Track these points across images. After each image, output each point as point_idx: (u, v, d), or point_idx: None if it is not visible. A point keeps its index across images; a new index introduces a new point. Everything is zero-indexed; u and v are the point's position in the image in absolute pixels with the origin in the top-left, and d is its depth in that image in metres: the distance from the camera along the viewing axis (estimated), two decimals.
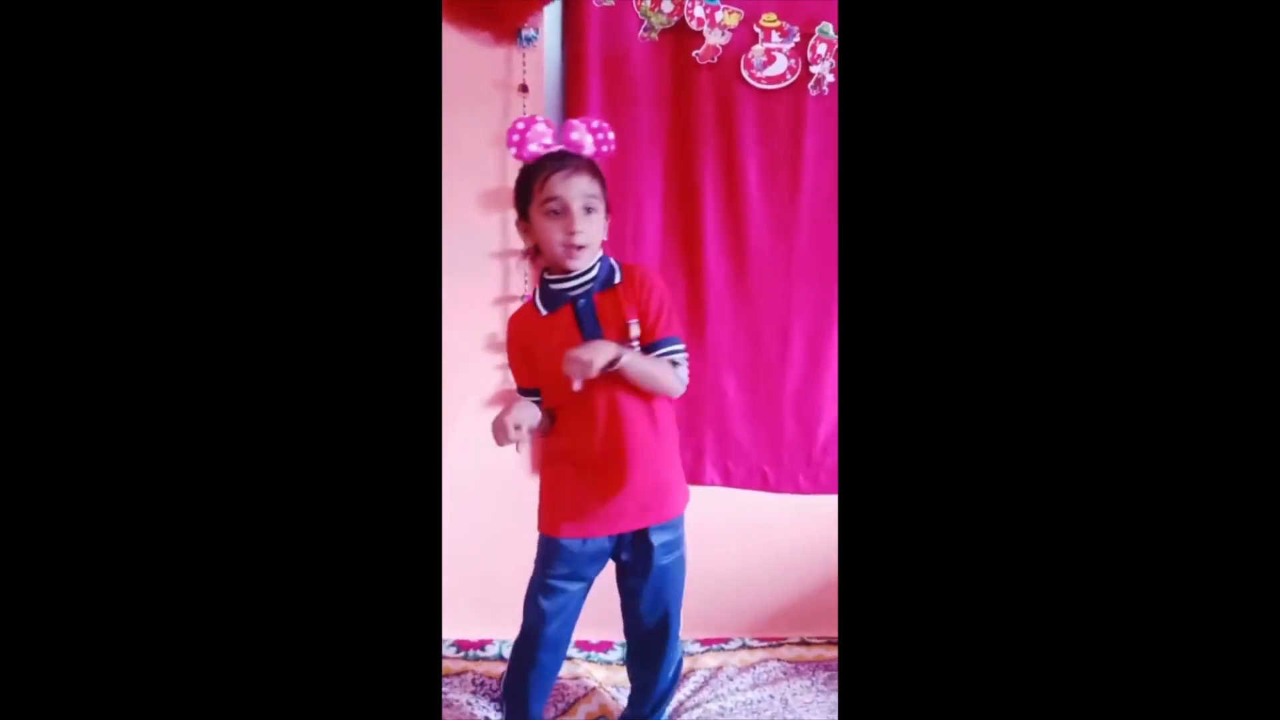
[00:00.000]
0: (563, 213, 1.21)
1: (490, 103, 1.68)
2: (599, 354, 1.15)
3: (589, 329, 1.24)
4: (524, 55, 1.68)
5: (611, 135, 1.29)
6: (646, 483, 1.28)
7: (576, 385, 1.16)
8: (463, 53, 1.65)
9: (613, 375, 1.20)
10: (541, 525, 1.34)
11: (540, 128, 1.24)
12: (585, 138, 1.25)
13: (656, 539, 1.31)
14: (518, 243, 1.73)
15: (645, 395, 1.26)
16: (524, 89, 1.68)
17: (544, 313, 1.27)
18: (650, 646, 1.40)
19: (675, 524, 1.34)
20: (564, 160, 1.23)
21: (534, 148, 1.24)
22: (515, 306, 1.74)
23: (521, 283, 1.74)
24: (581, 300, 1.25)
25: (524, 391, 1.34)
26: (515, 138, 1.24)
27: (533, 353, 1.30)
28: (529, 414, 1.24)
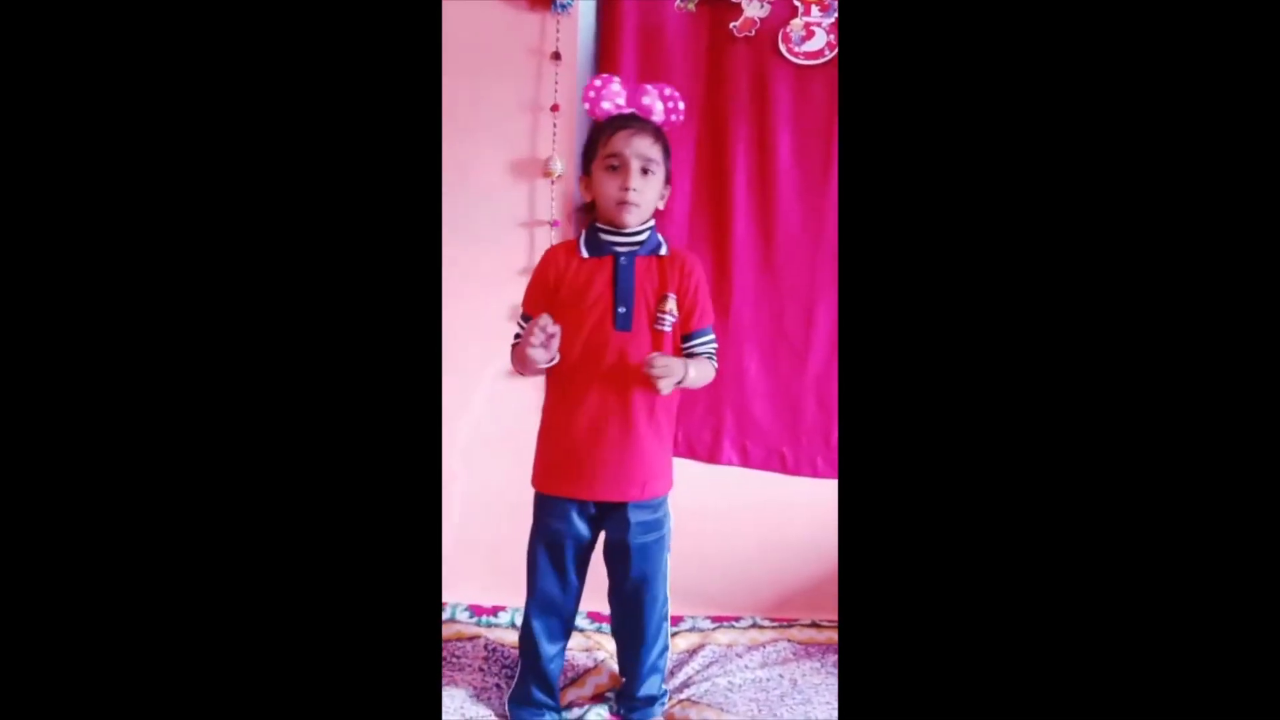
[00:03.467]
0: (621, 168, 1.26)
1: (523, 70, 1.67)
2: (677, 372, 1.21)
3: (623, 286, 1.28)
4: (558, 22, 1.65)
5: (682, 105, 1.33)
6: (628, 459, 1.29)
7: (553, 360, 1.22)
8: (496, 18, 1.64)
9: (621, 355, 1.26)
10: (534, 480, 1.38)
11: (615, 87, 1.29)
12: (656, 103, 1.30)
13: (634, 517, 1.32)
14: (545, 213, 1.73)
15: (647, 379, 1.25)
16: (556, 56, 1.66)
17: (585, 254, 1.31)
18: (626, 621, 1.41)
19: (654, 504, 1.34)
20: (631, 120, 1.28)
21: (606, 105, 1.29)
22: None
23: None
24: (623, 258, 1.29)
25: (525, 317, 1.34)
26: (591, 94, 1.29)
27: (558, 289, 1.31)
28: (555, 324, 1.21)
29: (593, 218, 1.34)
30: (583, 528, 1.34)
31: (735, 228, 1.77)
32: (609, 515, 1.33)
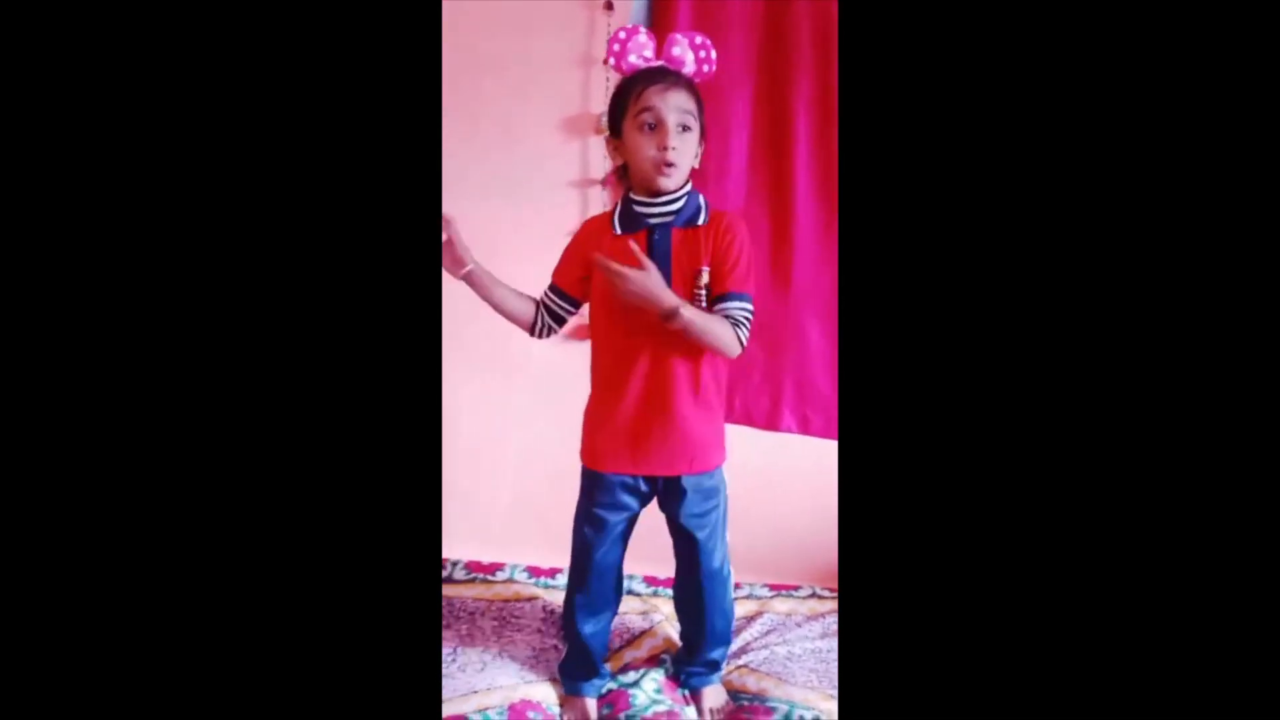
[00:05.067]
0: (657, 126, 1.16)
1: (574, 22, 1.62)
2: (663, 298, 1.11)
3: (659, 262, 1.17)
4: None
5: (714, 54, 1.22)
6: (675, 435, 1.24)
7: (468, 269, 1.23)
8: None
9: (662, 333, 1.15)
10: (582, 456, 1.34)
11: (641, 38, 1.19)
12: (687, 54, 1.20)
13: (688, 486, 1.28)
14: (598, 171, 1.69)
15: (691, 348, 1.20)
16: (609, 7, 1.61)
17: (618, 231, 1.23)
18: (688, 588, 1.39)
19: (709, 475, 1.30)
20: (663, 74, 1.18)
21: (634, 59, 1.19)
22: None
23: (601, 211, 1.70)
24: (658, 233, 1.20)
25: (555, 289, 1.31)
26: (615, 47, 1.20)
27: (590, 265, 1.23)
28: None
29: (626, 185, 1.25)
30: (632, 502, 1.32)
31: (797, 188, 1.69)
32: (664, 488, 1.31)
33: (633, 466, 1.28)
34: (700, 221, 1.21)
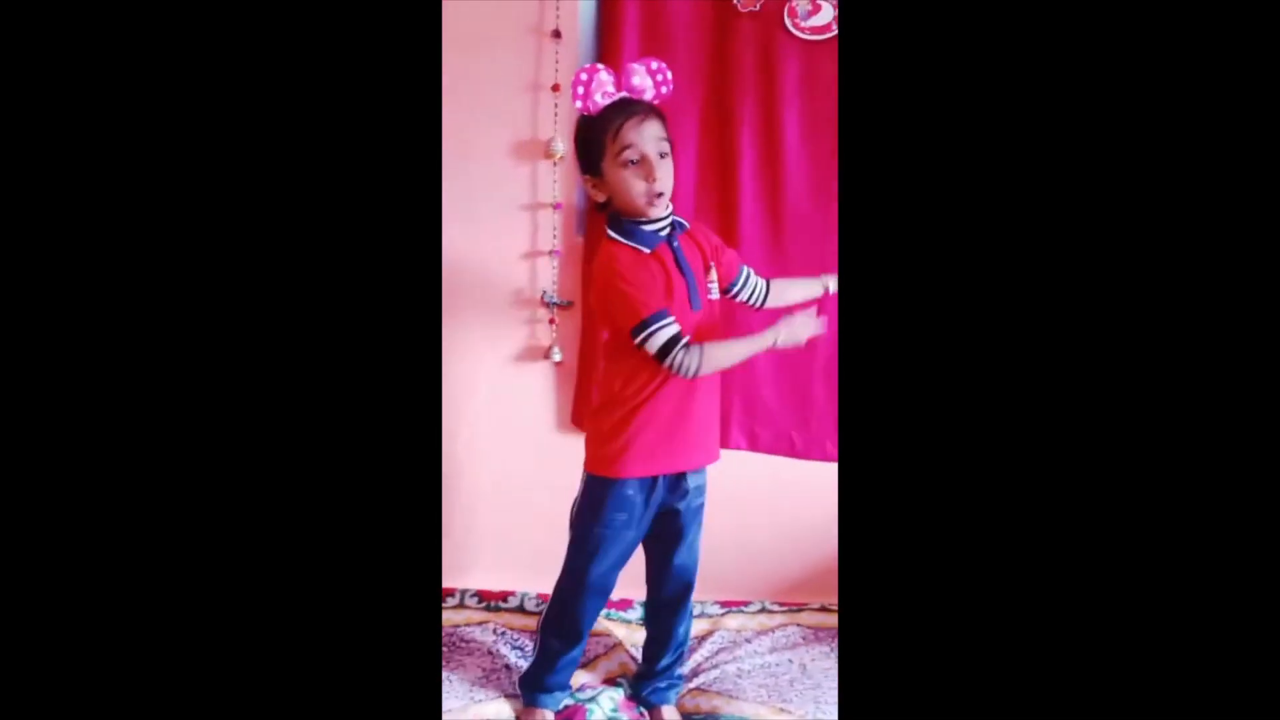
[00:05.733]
0: (641, 162, 1.20)
1: (522, 49, 1.63)
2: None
3: (686, 270, 1.27)
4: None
5: (670, 75, 1.26)
6: (710, 426, 1.35)
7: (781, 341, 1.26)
8: None
9: (696, 332, 1.25)
10: (601, 467, 1.31)
11: (603, 76, 1.21)
12: (646, 81, 1.24)
13: (693, 482, 1.36)
14: (548, 195, 1.70)
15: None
16: (557, 34, 1.62)
17: (646, 250, 1.25)
18: (679, 596, 1.43)
19: (703, 472, 1.39)
20: (632, 107, 1.21)
21: (599, 98, 1.21)
22: (545, 261, 1.71)
23: (551, 237, 1.71)
24: (674, 241, 1.28)
25: (663, 314, 1.21)
26: (580, 90, 1.22)
27: (666, 279, 1.25)
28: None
29: (611, 212, 1.28)
30: (648, 518, 1.35)
31: (742, 208, 1.73)
32: (671, 487, 1.35)
33: (677, 464, 1.33)
34: (687, 225, 1.32)
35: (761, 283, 1.43)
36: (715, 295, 1.33)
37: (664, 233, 1.27)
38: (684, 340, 1.21)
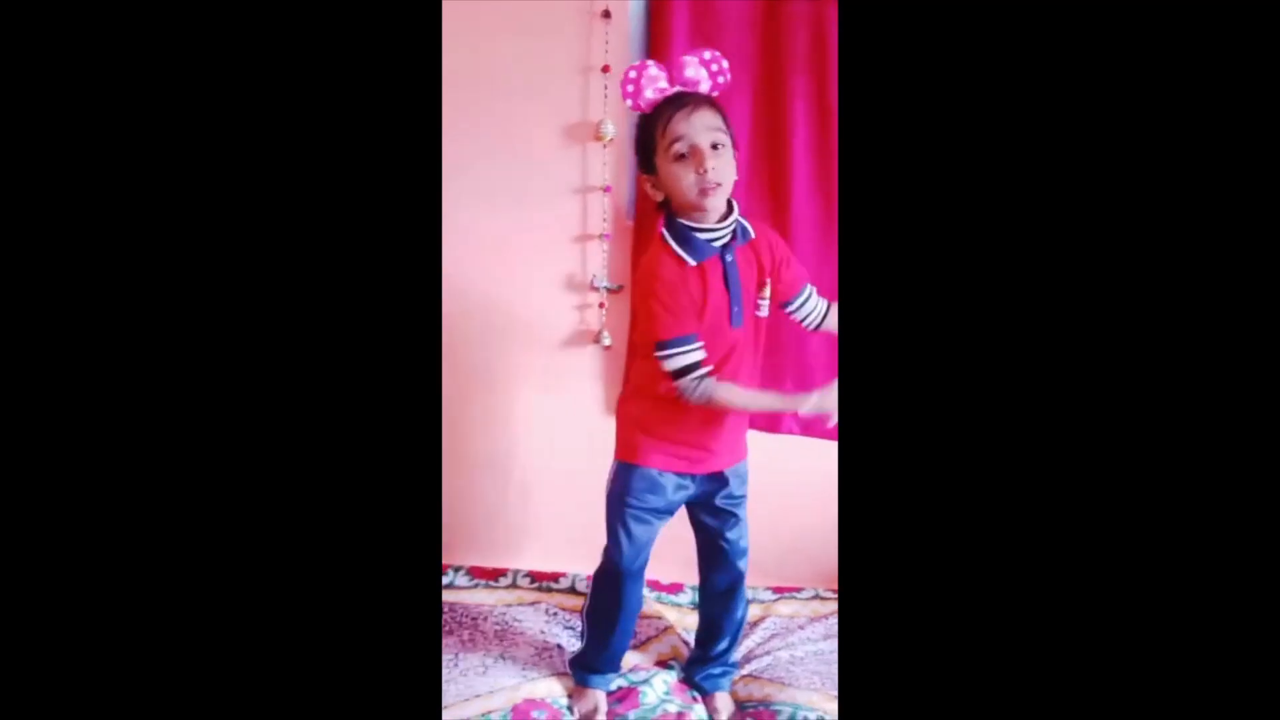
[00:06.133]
0: (691, 154, 1.15)
1: (571, 30, 1.62)
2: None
3: (735, 285, 1.22)
4: None
5: (726, 64, 1.22)
6: (737, 432, 1.35)
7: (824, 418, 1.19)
8: None
9: (734, 348, 1.24)
10: (632, 456, 1.32)
11: (653, 71, 1.18)
12: (700, 73, 1.19)
13: (732, 475, 1.36)
14: (598, 179, 1.70)
15: (755, 355, 1.30)
16: (607, 15, 1.61)
17: (692, 262, 1.20)
18: (722, 580, 1.43)
19: (745, 464, 1.40)
20: (682, 99, 1.18)
21: (650, 94, 1.18)
22: (595, 245, 1.71)
23: (600, 220, 1.71)
24: (728, 255, 1.22)
25: (690, 339, 1.20)
26: (630, 88, 1.19)
27: (699, 297, 1.21)
28: None
29: (669, 214, 1.23)
30: (679, 500, 1.36)
31: (794, 194, 1.69)
32: (712, 484, 1.35)
33: (703, 466, 1.33)
34: (752, 235, 1.25)
35: (822, 304, 1.35)
36: (764, 313, 1.28)
37: (721, 242, 1.21)
38: (701, 371, 1.19)
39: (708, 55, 1.20)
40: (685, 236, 1.20)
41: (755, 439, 1.78)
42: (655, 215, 1.29)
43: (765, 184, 1.72)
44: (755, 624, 1.67)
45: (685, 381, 1.19)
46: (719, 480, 1.35)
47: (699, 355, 1.19)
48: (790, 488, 1.80)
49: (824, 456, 1.81)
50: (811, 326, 1.37)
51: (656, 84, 1.18)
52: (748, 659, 1.57)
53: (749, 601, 1.72)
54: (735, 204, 1.23)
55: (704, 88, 1.20)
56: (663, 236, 1.22)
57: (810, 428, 1.80)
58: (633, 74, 1.19)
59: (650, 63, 1.20)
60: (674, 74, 1.20)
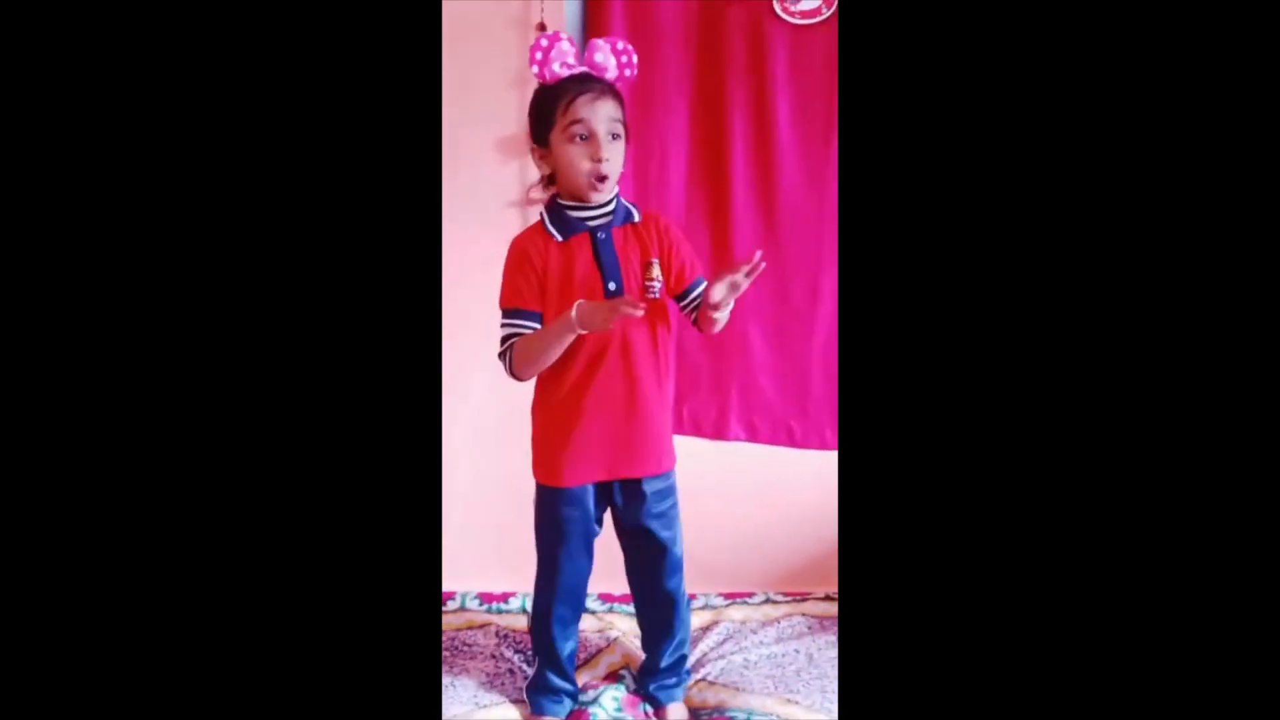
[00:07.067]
0: (589, 138, 1.16)
1: (506, 43, 1.60)
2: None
3: (608, 262, 1.21)
4: None
5: (635, 58, 1.23)
6: (644, 435, 1.26)
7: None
8: None
9: (621, 331, 1.19)
10: (539, 473, 1.32)
11: (564, 45, 1.18)
12: (609, 60, 1.20)
13: (649, 488, 1.29)
14: (537, 191, 1.67)
15: (655, 345, 1.24)
16: (542, 27, 1.60)
17: (560, 238, 1.22)
18: (651, 593, 1.39)
19: (667, 476, 1.33)
20: (588, 83, 1.17)
21: (557, 67, 1.17)
22: None
23: None
24: (601, 233, 1.22)
25: (518, 313, 1.22)
26: (538, 55, 1.18)
27: (544, 278, 1.22)
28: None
29: (552, 194, 1.25)
30: (595, 511, 1.32)
31: (734, 197, 1.71)
32: (623, 492, 1.31)
33: (604, 473, 1.28)
34: (636, 219, 1.25)
35: None
36: (655, 294, 1.23)
37: (597, 221, 1.21)
38: (511, 343, 1.20)
39: (619, 45, 1.21)
40: (556, 216, 1.22)
41: (701, 448, 1.80)
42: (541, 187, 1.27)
43: (705, 193, 1.73)
44: (707, 629, 1.67)
45: (503, 356, 1.21)
46: (636, 495, 1.29)
47: (517, 331, 1.21)
48: (740, 493, 1.82)
49: (773, 462, 1.84)
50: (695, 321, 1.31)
51: (565, 59, 1.18)
52: (700, 664, 1.57)
53: (700, 607, 1.74)
54: (618, 195, 1.24)
55: (610, 75, 1.20)
56: (540, 215, 1.23)
57: (807, 439, 1.82)
58: (544, 42, 1.18)
59: (564, 36, 1.19)
60: (584, 55, 1.20)
